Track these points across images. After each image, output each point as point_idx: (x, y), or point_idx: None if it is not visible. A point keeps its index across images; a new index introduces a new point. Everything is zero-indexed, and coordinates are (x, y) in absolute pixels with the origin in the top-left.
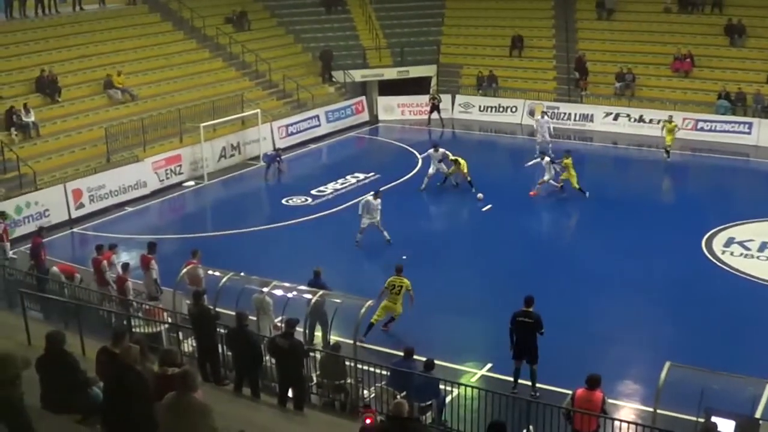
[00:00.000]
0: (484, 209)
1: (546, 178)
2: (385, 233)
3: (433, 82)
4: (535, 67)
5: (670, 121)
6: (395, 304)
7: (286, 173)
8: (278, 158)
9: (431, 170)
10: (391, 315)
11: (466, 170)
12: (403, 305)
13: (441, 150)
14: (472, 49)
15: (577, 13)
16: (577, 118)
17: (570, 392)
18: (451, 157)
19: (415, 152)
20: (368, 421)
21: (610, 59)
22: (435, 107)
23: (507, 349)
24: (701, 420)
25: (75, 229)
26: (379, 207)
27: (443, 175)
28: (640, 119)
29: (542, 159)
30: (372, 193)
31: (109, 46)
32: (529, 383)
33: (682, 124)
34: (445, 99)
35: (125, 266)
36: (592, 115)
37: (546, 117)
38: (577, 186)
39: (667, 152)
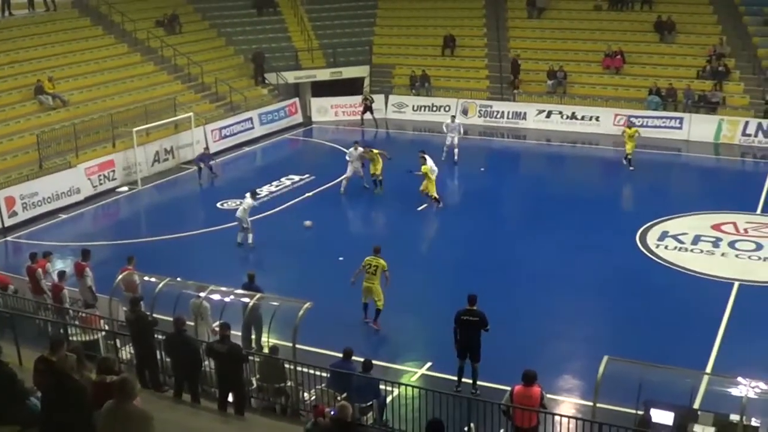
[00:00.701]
0: (419, 209)
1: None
2: (250, 236)
3: (366, 82)
4: (467, 66)
5: (629, 126)
6: (373, 285)
7: (219, 176)
8: (206, 159)
9: (348, 172)
10: (374, 304)
11: (379, 167)
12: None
13: (360, 149)
14: (405, 49)
15: (508, 12)
16: (510, 116)
17: (509, 389)
18: (373, 150)
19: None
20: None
21: (542, 57)
22: (368, 108)
23: (446, 347)
24: (641, 412)
25: (8, 238)
26: (251, 207)
27: (359, 176)
28: (573, 116)
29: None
30: (249, 193)
31: (39, 52)
32: (471, 381)
33: (615, 120)
34: (379, 99)
35: (61, 274)
36: (525, 113)
37: (456, 121)
38: (434, 195)
39: (629, 161)
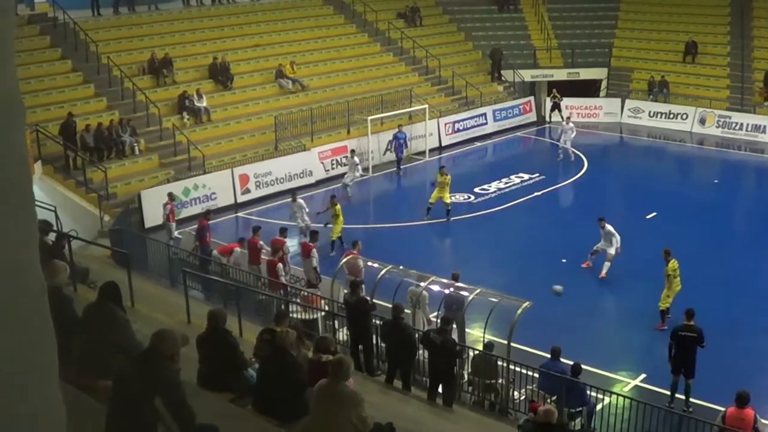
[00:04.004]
0: (648, 217)
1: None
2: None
3: (603, 84)
4: (708, 74)
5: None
6: (679, 285)
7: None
8: (400, 138)
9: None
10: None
11: (338, 229)
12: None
13: (299, 201)
14: (645, 53)
15: (753, 21)
16: (749, 129)
17: (723, 409)
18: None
19: (581, 155)
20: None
21: None
22: (556, 105)
23: (662, 360)
24: None
25: (240, 214)
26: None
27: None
28: None
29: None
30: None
31: (281, 37)
32: (683, 397)
33: None
34: (615, 103)
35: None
36: (764, 127)
37: (356, 158)
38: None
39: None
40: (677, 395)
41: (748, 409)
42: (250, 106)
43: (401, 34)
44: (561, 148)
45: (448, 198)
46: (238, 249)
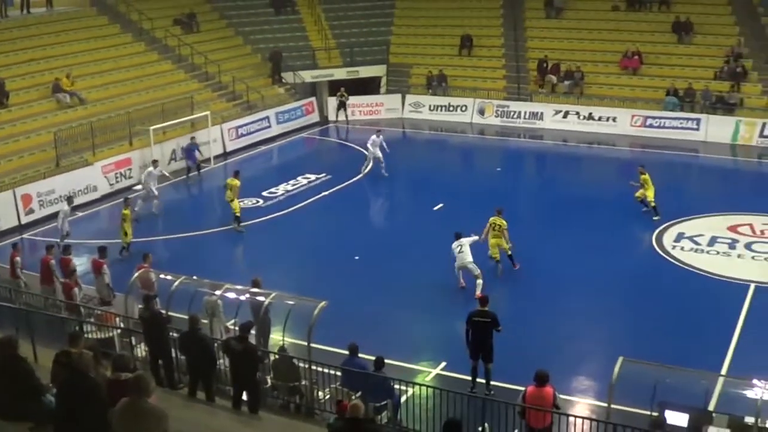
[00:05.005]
0: (435, 208)
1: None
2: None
3: (383, 81)
4: (484, 66)
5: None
6: (500, 239)
7: (205, 167)
8: (192, 150)
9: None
10: (505, 255)
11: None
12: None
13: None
14: (422, 48)
15: (525, 12)
16: (527, 117)
17: (523, 389)
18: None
19: (365, 152)
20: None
21: (559, 57)
22: (342, 104)
23: (461, 346)
24: (655, 414)
25: (25, 235)
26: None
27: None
28: (590, 117)
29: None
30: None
31: (57, 50)
32: (484, 381)
33: (632, 121)
34: (395, 99)
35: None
36: (541, 114)
37: (158, 169)
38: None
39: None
40: (478, 380)
41: (547, 387)
42: (27, 123)
43: (179, 41)
44: (372, 159)
45: (237, 205)
46: (18, 259)
